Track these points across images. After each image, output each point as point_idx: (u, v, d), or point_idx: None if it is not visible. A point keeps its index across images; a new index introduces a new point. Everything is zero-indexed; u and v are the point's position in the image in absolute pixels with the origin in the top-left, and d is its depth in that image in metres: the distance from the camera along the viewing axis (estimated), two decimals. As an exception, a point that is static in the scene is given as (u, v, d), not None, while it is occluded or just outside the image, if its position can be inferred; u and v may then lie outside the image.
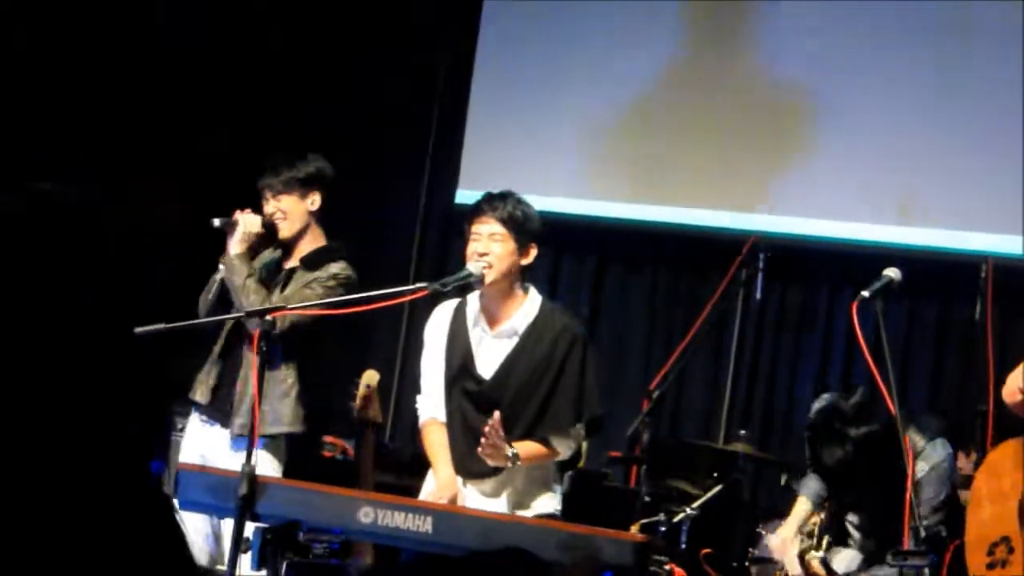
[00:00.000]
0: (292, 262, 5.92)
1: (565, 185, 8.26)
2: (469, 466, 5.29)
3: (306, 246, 5.93)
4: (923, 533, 5.06)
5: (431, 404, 5.41)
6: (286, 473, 5.63)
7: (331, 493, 4.69)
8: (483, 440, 5.10)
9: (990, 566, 5.07)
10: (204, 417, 5.86)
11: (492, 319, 5.32)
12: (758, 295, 7.81)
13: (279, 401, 5.72)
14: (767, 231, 7.73)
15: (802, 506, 5.94)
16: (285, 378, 5.75)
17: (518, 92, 8.64)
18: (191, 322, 5.65)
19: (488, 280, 5.21)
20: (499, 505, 5.25)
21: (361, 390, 5.99)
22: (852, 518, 5.79)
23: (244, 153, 7.28)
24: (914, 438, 5.59)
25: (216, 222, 5.81)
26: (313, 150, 7.99)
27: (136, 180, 7.66)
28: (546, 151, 8.46)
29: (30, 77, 7.61)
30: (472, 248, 5.23)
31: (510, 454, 5.14)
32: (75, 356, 1.73)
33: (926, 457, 5.66)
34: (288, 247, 5.93)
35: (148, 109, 8.00)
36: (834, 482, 5.69)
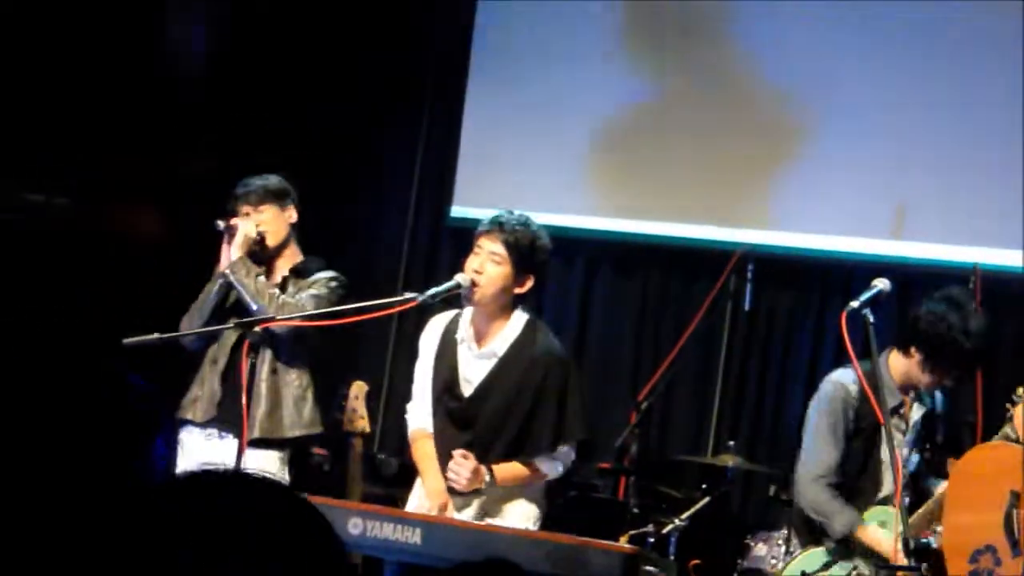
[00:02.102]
0: (278, 275, 5.93)
1: (556, 199, 8.25)
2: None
3: (287, 261, 5.96)
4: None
5: (420, 414, 5.42)
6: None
7: (320, 504, 4.68)
8: (450, 469, 5.13)
9: (974, 574, 5.06)
10: (210, 431, 5.84)
11: (479, 337, 5.33)
12: (747, 306, 7.81)
13: (296, 404, 5.75)
14: (756, 244, 7.73)
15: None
16: (297, 381, 5.77)
17: (512, 105, 8.62)
18: (181, 333, 5.64)
19: (475, 300, 5.23)
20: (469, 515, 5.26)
21: (349, 401, 5.99)
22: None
23: (239, 161, 7.28)
24: None
25: (220, 224, 5.83)
26: (306, 156, 7.99)
27: (130, 186, 7.64)
28: (539, 165, 8.45)
29: (25, 83, 7.59)
30: (469, 263, 5.24)
31: (486, 478, 5.15)
32: (68, 363, 1.73)
33: None
34: (269, 263, 5.94)
35: (144, 113, 7.98)
36: (968, 369, 5.67)
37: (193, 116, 8.14)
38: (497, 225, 5.26)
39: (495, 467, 5.19)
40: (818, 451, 5.75)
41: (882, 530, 5.58)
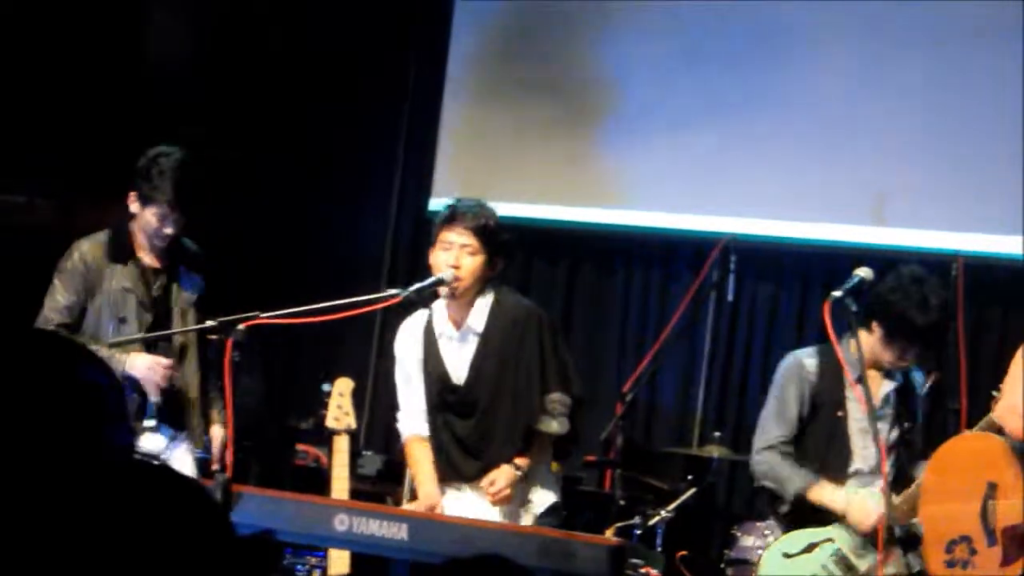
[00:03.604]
0: (149, 258, 5.80)
1: (537, 191, 8.26)
2: (463, 472, 5.30)
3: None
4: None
5: (411, 421, 5.41)
6: None
7: (306, 501, 4.69)
8: (490, 494, 5.14)
9: (949, 564, 5.07)
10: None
11: (456, 324, 5.34)
12: (730, 296, 7.81)
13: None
14: (739, 233, 7.74)
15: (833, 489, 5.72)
16: None
17: (490, 97, 8.62)
18: (164, 332, 5.63)
19: (457, 294, 5.24)
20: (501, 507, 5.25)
21: (334, 398, 5.99)
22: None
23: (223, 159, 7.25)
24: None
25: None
26: (288, 154, 7.92)
27: (114, 187, 7.59)
28: (518, 157, 8.45)
29: (8, 83, 7.56)
30: (443, 259, 5.24)
31: (517, 473, 5.17)
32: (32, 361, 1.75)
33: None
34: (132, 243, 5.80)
35: (128, 112, 7.96)
36: (924, 345, 5.65)
37: (177, 115, 8.12)
38: (461, 215, 5.25)
39: (517, 459, 5.22)
40: (767, 426, 5.77)
41: (838, 489, 5.56)
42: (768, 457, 5.70)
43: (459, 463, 5.31)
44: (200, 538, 1.58)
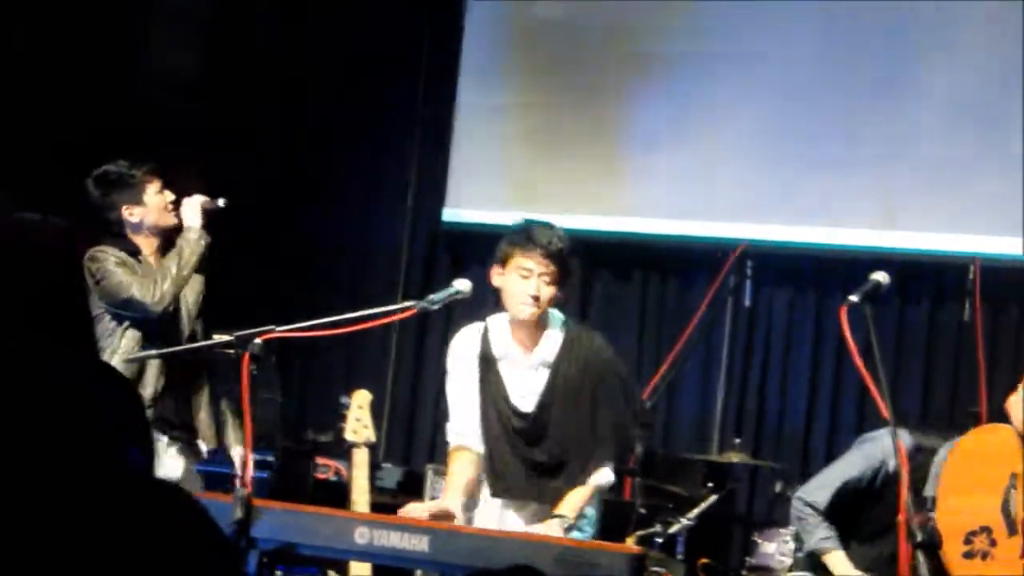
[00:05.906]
0: (155, 257, 5.85)
1: (552, 200, 8.25)
2: (520, 493, 5.26)
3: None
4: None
5: (460, 431, 5.31)
6: None
7: (326, 515, 4.68)
8: None
9: (967, 555, 5.04)
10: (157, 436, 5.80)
11: (524, 347, 5.24)
12: (747, 302, 7.81)
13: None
14: (754, 239, 7.73)
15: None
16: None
17: (502, 106, 8.63)
18: (181, 347, 5.64)
19: (534, 319, 5.14)
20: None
21: (352, 410, 5.97)
22: None
23: (233, 173, 7.26)
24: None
25: (221, 202, 5.81)
26: (300, 166, 7.92)
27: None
28: (532, 167, 8.45)
29: (18, 101, 7.58)
30: (521, 287, 5.09)
31: (564, 525, 5.07)
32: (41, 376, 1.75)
33: None
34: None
35: (135, 128, 7.98)
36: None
37: (184, 130, 8.14)
38: (542, 240, 5.07)
39: (564, 506, 5.09)
40: (824, 483, 5.63)
41: (851, 567, 5.48)
42: (802, 508, 5.60)
43: (517, 482, 5.22)
44: (203, 563, 1.58)
